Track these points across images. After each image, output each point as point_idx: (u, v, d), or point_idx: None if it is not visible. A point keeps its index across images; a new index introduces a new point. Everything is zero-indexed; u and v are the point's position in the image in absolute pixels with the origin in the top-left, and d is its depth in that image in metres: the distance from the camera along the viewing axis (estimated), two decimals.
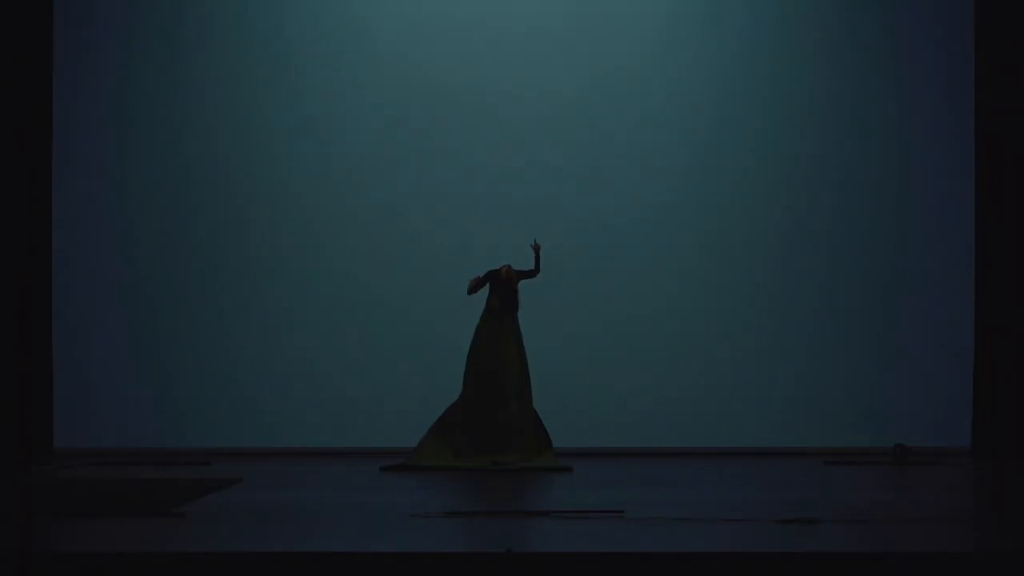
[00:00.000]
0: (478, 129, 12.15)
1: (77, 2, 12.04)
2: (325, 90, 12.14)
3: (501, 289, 10.93)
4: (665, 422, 12.00)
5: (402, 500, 8.68)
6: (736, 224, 12.17)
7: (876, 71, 12.17)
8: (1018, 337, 11.54)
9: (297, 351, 12.05)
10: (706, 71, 12.20)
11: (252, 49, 12.13)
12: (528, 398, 10.91)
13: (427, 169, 12.16)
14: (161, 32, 12.11)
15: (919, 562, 6.18)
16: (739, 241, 12.17)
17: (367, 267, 12.10)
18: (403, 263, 12.10)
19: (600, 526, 7.27)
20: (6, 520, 7.53)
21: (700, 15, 12.19)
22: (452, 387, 10.97)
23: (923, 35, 12.15)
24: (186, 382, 12.01)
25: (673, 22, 12.21)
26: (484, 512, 8.14)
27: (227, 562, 6.19)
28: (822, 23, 12.19)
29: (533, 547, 6.67)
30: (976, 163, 11.78)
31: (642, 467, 10.93)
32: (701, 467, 10.95)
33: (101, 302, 12.00)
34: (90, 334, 11.97)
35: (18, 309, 11.36)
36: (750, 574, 6.17)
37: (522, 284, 11.00)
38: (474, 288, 10.94)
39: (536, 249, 10.92)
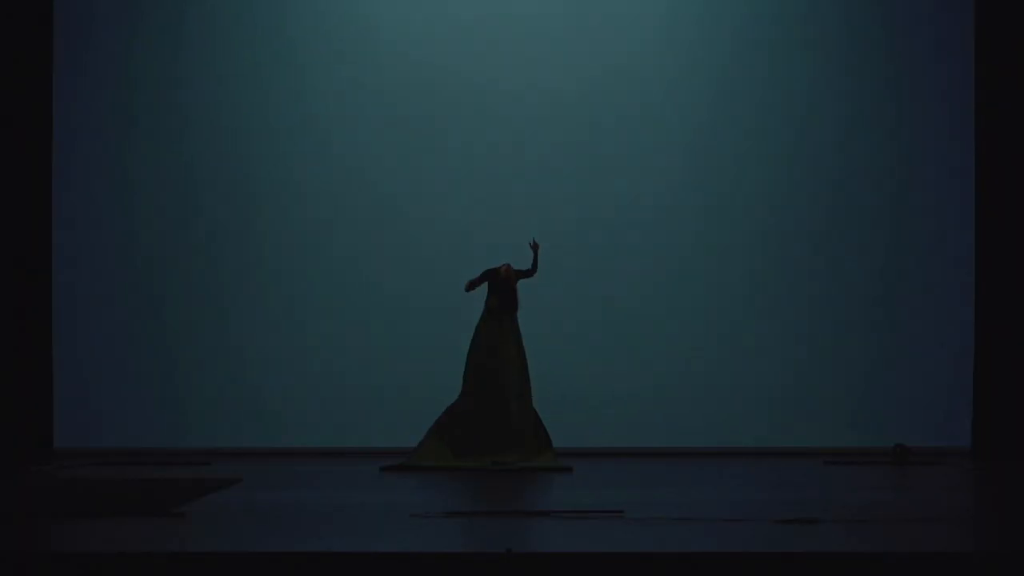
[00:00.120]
0: (478, 129, 12.15)
1: (77, 2, 12.04)
2: (326, 90, 12.14)
3: (500, 288, 10.93)
4: (665, 422, 12.00)
5: (402, 500, 8.68)
6: (736, 224, 12.17)
7: (876, 71, 12.17)
8: (1018, 337, 11.54)
9: (297, 351, 12.05)
10: (706, 71, 12.20)
11: (253, 48, 12.13)
12: (528, 398, 10.91)
13: (427, 169, 12.16)
14: (161, 30, 12.10)
15: (919, 562, 6.18)
16: (739, 241, 12.17)
17: (367, 267, 12.10)
18: (403, 263, 12.10)
19: (600, 526, 7.27)
20: (6, 520, 7.53)
21: (700, 14, 12.19)
22: (452, 387, 10.97)
23: (923, 34, 12.15)
24: (186, 382, 12.01)
25: (673, 22, 12.20)
26: (484, 512, 8.14)
27: (227, 562, 6.19)
28: (822, 23, 12.19)
29: (533, 547, 6.67)
30: (976, 163, 11.78)
31: (642, 467, 10.93)
32: (701, 467, 10.95)
33: (101, 302, 12.00)
34: (90, 334, 11.98)
35: (18, 309, 11.37)
36: (750, 574, 6.17)
37: (521, 284, 11.00)
38: (471, 286, 10.93)
39: (535, 248, 10.91)
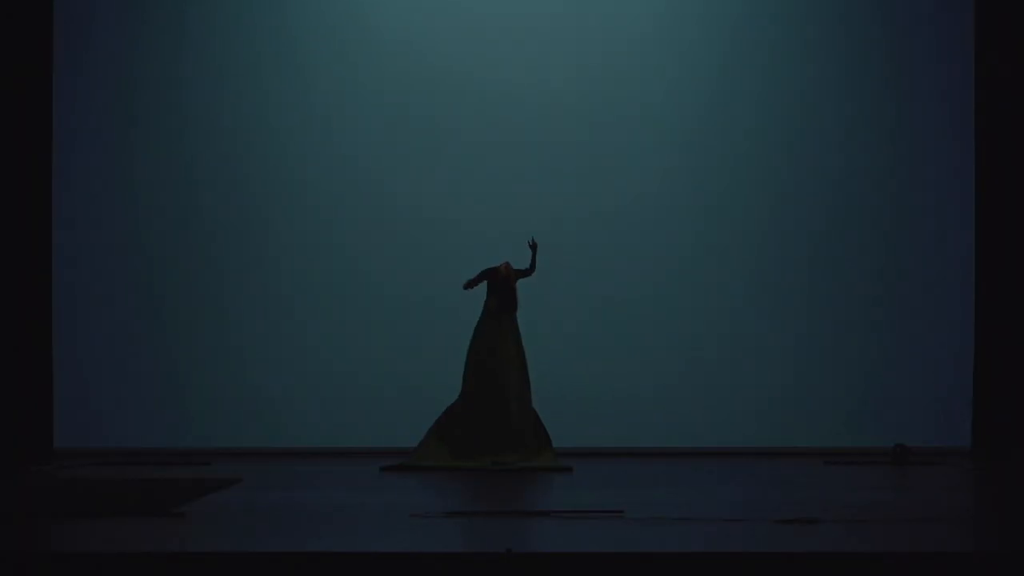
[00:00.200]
0: (477, 129, 12.15)
1: (77, 2, 12.03)
2: (325, 91, 12.14)
3: (500, 288, 10.93)
4: (665, 422, 12.00)
5: (402, 500, 8.67)
6: (736, 223, 12.17)
7: (876, 71, 12.17)
8: (1018, 337, 11.54)
9: (297, 351, 12.05)
10: (706, 70, 12.19)
11: (253, 47, 12.13)
12: (527, 398, 10.91)
13: (426, 170, 12.15)
14: (162, 30, 12.10)
15: (919, 562, 6.18)
16: (738, 241, 12.17)
17: (367, 267, 12.10)
18: (403, 263, 12.09)
19: (600, 526, 7.27)
20: (6, 520, 7.53)
21: (700, 14, 12.19)
22: (452, 387, 10.97)
23: (923, 34, 12.15)
24: (186, 382, 12.01)
25: (673, 21, 12.20)
26: (484, 512, 8.14)
27: (227, 562, 6.18)
28: (822, 23, 12.19)
29: (533, 547, 6.67)
30: (976, 163, 11.79)
31: (642, 467, 10.93)
32: (701, 467, 10.95)
33: (101, 302, 12.00)
34: (90, 334, 11.97)
35: (18, 309, 11.37)
36: (750, 574, 6.17)
37: (521, 283, 11.00)
38: (469, 285, 10.93)
39: (533, 247, 10.91)
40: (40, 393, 11.53)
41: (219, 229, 12.11)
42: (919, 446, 11.43)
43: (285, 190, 12.14)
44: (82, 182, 12.02)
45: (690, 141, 12.19)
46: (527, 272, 10.97)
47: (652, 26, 12.21)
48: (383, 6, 12.18)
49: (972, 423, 11.72)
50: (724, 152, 12.18)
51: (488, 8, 12.19)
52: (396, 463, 10.66)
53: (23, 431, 11.28)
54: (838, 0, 12.21)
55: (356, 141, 12.15)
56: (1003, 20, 11.60)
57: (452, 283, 11.16)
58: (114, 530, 7.15)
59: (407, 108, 12.16)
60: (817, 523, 7.27)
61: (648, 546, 6.60)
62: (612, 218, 12.13)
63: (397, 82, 12.15)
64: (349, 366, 12.03)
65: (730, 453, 11.84)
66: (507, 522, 7.60)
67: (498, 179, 12.13)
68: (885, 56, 12.18)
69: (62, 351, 11.79)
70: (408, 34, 12.17)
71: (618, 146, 12.16)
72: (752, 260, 12.16)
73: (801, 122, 12.18)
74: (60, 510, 7.88)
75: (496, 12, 12.18)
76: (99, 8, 12.09)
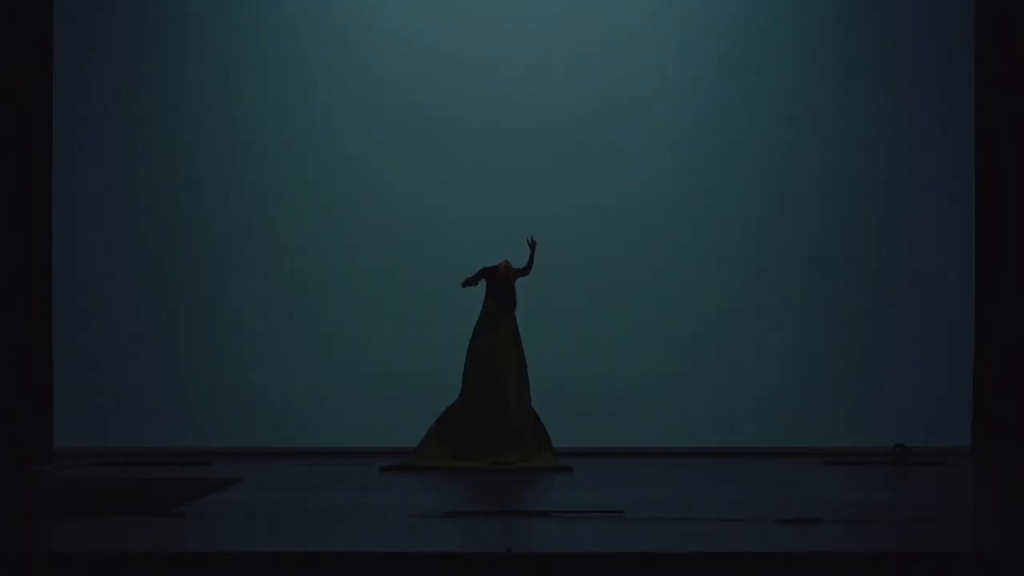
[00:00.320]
0: (477, 129, 12.15)
1: (77, 2, 12.03)
2: (325, 91, 12.13)
3: (499, 287, 10.93)
4: (665, 422, 12.00)
5: (402, 500, 8.67)
6: (735, 223, 12.17)
7: (876, 71, 12.16)
8: (1018, 337, 11.54)
9: (297, 351, 12.04)
10: (705, 70, 12.19)
11: (255, 46, 12.12)
12: (527, 398, 10.91)
13: (425, 171, 12.15)
14: (163, 29, 12.09)
15: (919, 562, 6.18)
16: (738, 240, 12.16)
17: (367, 267, 12.10)
18: (403, 263, 12.09)
19: (600, 526, 7.27)
20: (6, 520, 7.53)
21: (700, 13, 12.18)
22: (452, 387, 10.97)
23: (923, 34, 12.15)
24: (186, 382, 12.01)
25: (673, 21, 12.20)
26: (484, 512, 8.14)
27: (227, 562, 6.18)
28: (822, 23, 12.19)
29: (533, 547, 6.67)
30: (976, 163, 11.79)
31: (642, 467, 10.93)
32: (701, 467, 10.95)
33: (101, 302, 12.00)
34: (90, 334, 11.97)
35: (18, 309, 11.37)
36: (750, 574, 6.17)
37: (520, 282, 11.00)
38: (468, 284, 10.93)
39: (532, 245, 10.91)
40: (40, 393, 11.52)
41: (219, 229, 12.11)
42: (919, 446, 11.44)
43: (285, 190, 12.14)
44: (82, 182, 12.01)
45: (690, 141, 12.18)
46: (525, 271, 10.97)
47: (651, 26, 12.21)
48: (384, 6, 12.19)
49: (972, 423, 11.72)
50: (724, 152, 12.18)
51: (489, 8, 12.19)
52: (396, 463, 10.66)
53: (23, 431, 11.28)
54: (838, 0, 12.20)
55: (356, 141, 12.15)
56: (1003, 20, 11.60)
57: (452, 283, 11.16)
58: (114, 530, 7.15)
59: (408, 108, 12.15)
60: (817, 523, 7.28)
61: (648, 546, 6.60)
62: (612, 218, 12.13)
63: (398, 82, 12.15)
64: (349, 366, 12.02)
65: (730, 453, 11.84)
66: (507, 522, 7.60)
67: (498, 178, 12.13)
68: (885, 56, 12.18)
69: (62, 351, 11.79)
70: (409, 34, 12.17)
71: (618, 146, 12.16)
72: (752, 260, 12.16)
73: (801, 122, 12.18)
74: (60, 510, 7.88)
75: (497, 12, 12.19)
76: (100, 8, 12.09)
